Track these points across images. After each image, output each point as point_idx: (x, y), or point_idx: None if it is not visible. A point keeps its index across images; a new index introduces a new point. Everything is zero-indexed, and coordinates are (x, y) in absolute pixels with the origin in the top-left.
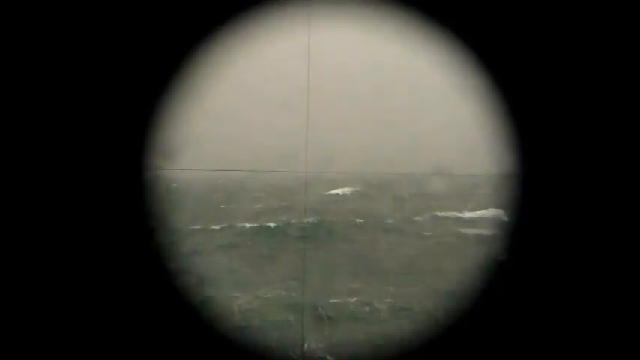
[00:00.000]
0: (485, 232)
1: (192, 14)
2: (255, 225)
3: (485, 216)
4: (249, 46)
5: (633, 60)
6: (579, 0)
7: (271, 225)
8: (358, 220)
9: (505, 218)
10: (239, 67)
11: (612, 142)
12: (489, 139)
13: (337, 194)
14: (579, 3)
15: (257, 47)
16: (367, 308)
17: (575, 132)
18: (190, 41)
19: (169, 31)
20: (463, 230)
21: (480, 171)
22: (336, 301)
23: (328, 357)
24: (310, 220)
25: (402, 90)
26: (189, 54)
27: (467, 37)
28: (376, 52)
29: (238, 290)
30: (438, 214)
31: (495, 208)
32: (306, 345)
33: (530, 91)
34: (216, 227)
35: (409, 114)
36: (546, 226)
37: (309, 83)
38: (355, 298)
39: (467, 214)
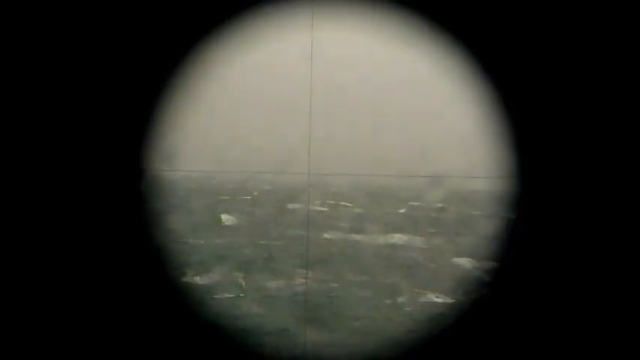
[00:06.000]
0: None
1: (193, 13)
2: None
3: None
4: (251, 45)
5: (632, 63)
6: (578, 5)
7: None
8: None
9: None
10: (240, 66)
11: (611, 145)
12: (490, 142)
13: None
14: (578, 8)
15: (259, 47)
16: None
17: (574, 135)
18: (190, 40)
19: (169, 30)
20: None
21: (480, 174)
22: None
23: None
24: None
25: (405, 91)
26: (189, 53)
27: (468, 40)
28: (379, 53)
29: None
30: None
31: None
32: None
33: (530, 96)
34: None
35: (412, 115)
36: (545, 229)
37: (312, 84)
38: None
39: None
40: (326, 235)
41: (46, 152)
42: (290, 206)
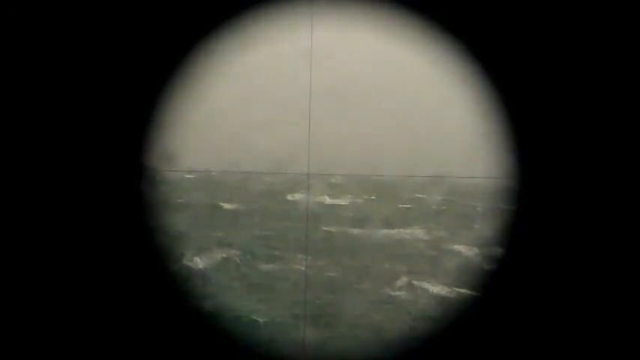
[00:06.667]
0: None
1: (193, 13)
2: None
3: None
4: (251, 45)
5: (632, 63)
6: (578, 5)
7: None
8: None
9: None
10: (240, 66)
11: (612, 145)
12: (489, 142)
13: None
14: (578, 7)
15: (259, 47)
16: None
17: (574, 136)
18: (190, 40)
19: (169, 30)
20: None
21: (480, 174)
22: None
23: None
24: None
25: (404, 91)
26: (190, 53)
27: (468, 39)
28: (379, 53)
29: None
30: None
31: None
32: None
33: (529, 95)
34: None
35: (412, 115)
36: (545, 229)
37: (312, 83)
38: None
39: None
40: (325, 228)
41: (47, 151)
42: (290, 198)
